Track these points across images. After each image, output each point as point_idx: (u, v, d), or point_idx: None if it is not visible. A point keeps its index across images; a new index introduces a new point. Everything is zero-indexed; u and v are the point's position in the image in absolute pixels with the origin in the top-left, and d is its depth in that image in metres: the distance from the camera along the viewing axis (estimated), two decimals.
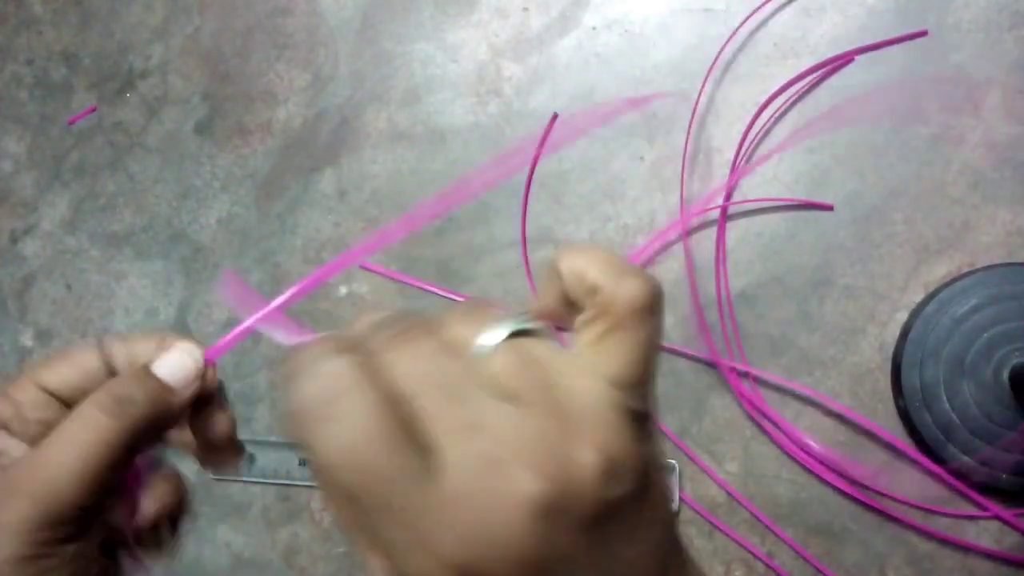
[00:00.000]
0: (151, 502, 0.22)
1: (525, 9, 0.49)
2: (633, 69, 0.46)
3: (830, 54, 0.43)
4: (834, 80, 0.43)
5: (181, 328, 0.54)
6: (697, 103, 0.45)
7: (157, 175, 0.57)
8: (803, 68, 0.43)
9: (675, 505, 0.42)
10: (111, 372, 0.22)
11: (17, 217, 0.60)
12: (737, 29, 0.44)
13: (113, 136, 0.58)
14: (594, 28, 0.47)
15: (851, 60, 0.42)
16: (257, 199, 0.54)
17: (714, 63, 0.44)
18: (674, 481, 0.42)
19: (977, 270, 0.39)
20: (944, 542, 0.39)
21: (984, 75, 0.41)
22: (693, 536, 0.42)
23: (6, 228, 0.61)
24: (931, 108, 0.41)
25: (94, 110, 0.59)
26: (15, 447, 0.20)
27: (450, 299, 0.48)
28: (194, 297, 0.55)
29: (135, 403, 0.20)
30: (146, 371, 0.21)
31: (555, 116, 0.44)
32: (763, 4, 0.44)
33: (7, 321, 0.59)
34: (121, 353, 0.22)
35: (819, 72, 0.43)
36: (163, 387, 0.21)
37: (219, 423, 0.23)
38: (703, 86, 0.45)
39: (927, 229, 0.41)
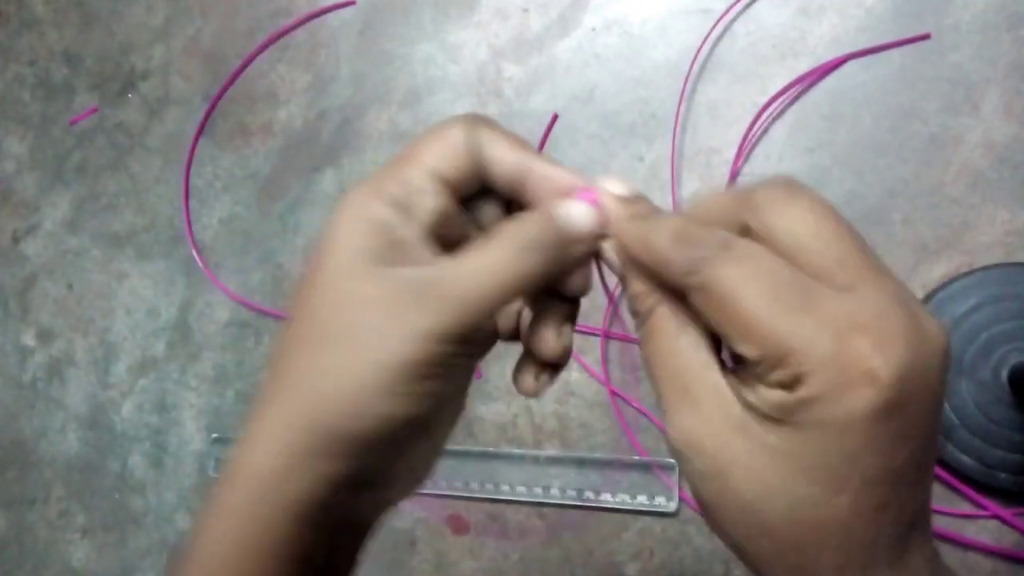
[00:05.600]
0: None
1: (525, 10, 0.49)
2: (632, 70, 0.47)
3: (829, 55, 0.43)
4: (833, 80, 0.43)
5: (182, 329, 0.55)
6: (680, 103, 0.45)
7: (158, 175, 0.57)
8: (802, 69, 0.43)
9: (675, 504, 0.42)
10: (475, 159, 0.21)
11: (19, 217, 0.61)
12: (723, 24, 0.45)
13: (114, 136, 0.59)
14: (594, 29, 0.48)
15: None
16: (259, 199, 0.54)
17: (693, 61, 0.45)
18: (674, 480, 0.42)
19: (976, 270, 0.40)
20: (943, 541, 0.39)
21: (982, 75, 0.41)
22: (693, 535, 0.42)
23: (8, 228, 0.61)
24: (930, 108, 0.42)
25: (95, 111, 0.59)
26: (412, 234, 0.20)
27: None
28: (196, 297, 0.55)
29: (542, 249, 0.20)
30: (554, 219, 0.20)
31: (555, 116, 0.45)
32: (754, 0, 0.44)
33: (9, 320, 0.59)
34: (491, 150, 0.21)
35: (817, 74, 0.43)
36: (568, 238, 0.20)
37: (576, 283, 0.21)
38: (684, 85, 0.45)
39: (926, 229, 0.41)
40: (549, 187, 0.21)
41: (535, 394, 0.23)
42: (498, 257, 0.19)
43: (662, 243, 0.19)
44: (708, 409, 0.18)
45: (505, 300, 0.20)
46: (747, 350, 0.17)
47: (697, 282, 0.18)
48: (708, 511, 0.19)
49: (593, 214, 0.21)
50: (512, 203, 0.22)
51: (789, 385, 0.16)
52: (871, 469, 0.16)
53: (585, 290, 0.22)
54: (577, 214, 0.20)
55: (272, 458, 0.19)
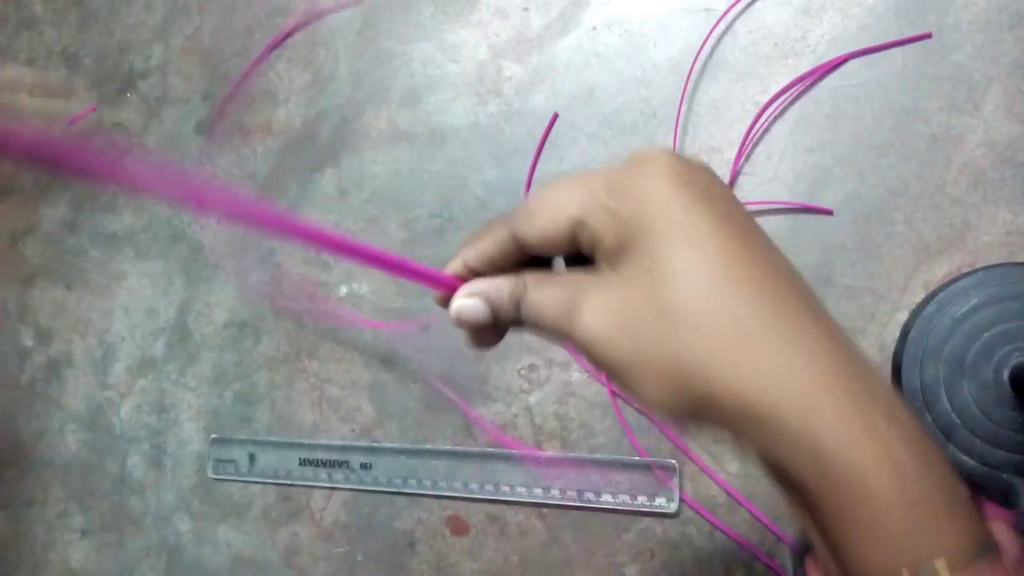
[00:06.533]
0: None
1: (525, 9, 0.49)
2: (633, 69, 0.46)
3: (830, 54, 0.43)
4: (834, 80, 0.43)
5: (181, 329, 0.54)
6: (682, 103, 0.45)
7: None
8: (803, 68, 0.43)
9: (675, 506, 0.42)
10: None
11: (17, 217, 0.60)
12: (724, 23, 0.44)
13: (113, 136, 0.58)
14: (594, 28, 0.47)
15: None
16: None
17: (695, 60, 0.44)
18: (674, 481, 0.42)
19: (977, 270, 0.39)
20: None
21: (984, 75, 0.41)
22: (694, 536, 0.42)
23: (7, 228, 0.61)
24: (931, 108, 0.41)
25: (94, 110, 0.59)
26: None
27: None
28: (194, 297, 0.55)
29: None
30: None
31: (555, 115, 0.44)
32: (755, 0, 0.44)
33: (7, 321, 0.59)
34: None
35: (819, 72, 0.43)
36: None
37: None
38: (686, 84, 0.45)
39: (927, 229, 0.41)
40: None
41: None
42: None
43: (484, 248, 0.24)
44: (608, 288, 0.21)
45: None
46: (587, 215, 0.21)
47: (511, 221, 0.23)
48: (645, 366, 0.20)
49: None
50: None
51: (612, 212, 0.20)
52: (718, 214, 0.20)
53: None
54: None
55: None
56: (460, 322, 0.24)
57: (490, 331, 0.24)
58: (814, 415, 0.17)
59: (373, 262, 0.23)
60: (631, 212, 0.20)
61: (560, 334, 0.21)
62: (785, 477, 0.19)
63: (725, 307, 0.18)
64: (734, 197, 0.21)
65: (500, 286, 0.23)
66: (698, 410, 0.19)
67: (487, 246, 0.23)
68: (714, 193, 0.20)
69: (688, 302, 0.19)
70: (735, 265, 0.19)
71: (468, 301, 0.23)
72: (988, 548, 0.17)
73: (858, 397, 0.18)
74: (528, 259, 0.23)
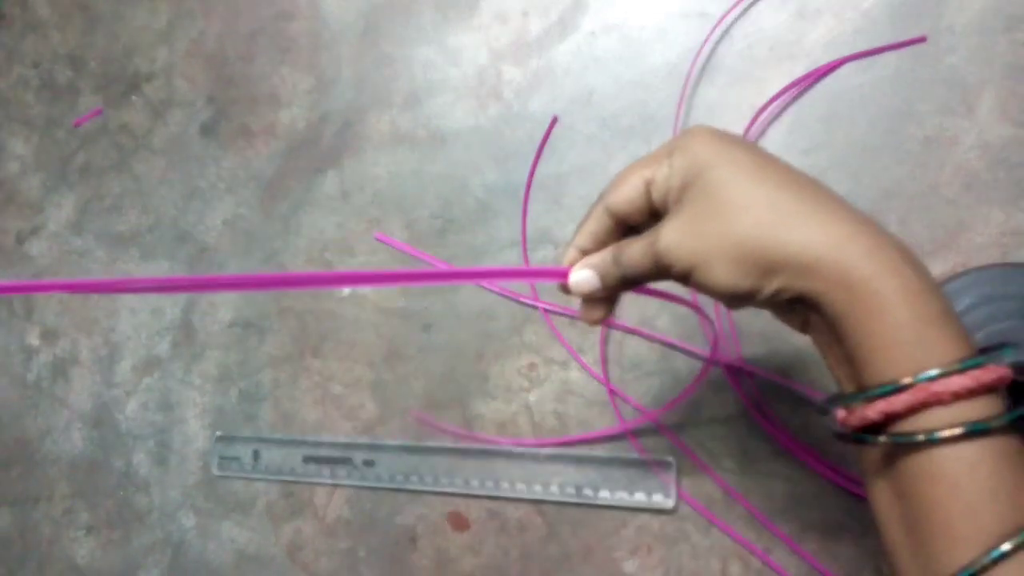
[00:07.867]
0: None
1: (525, 14, 0.50)
2: (631, 73, 0.47)
3: (825, 57, 0.43)
4: (829, 83, 0.43)
5: (186, 328, 0.55)
6: (680, 105, 0.45)
7: (162, 177, 0.57)
8: (798, 71, 0.44)
9: (672, 502, 0.42)
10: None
11: (24, 218, 0.61)
12: (721, 28, 0.45)
13: (119, 138, 0.59)
14: (593, 33, 0.48)
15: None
16: (261, 200, 0.54)
17: (693, 64, 0.45)
18: (671, 478, 0.43)
19: (971, 270, 0.40)
20: None
21: (978, 78, 0.41)
22: (690, 532, 0.43)
23: (13, 229, 0.61)
24: (925, 110, 0.42)
25: (100, 112, 0.60)
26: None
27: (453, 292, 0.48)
28: (199, 297, 0.55)
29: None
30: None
31: (555, 119, 0.45)
32: (752, 3, 0.45)
33: (14, 320, 0.60)
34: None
35: (814, 76, 0.43)
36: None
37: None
38: (684, 88, 0.45)
39: (921, 230, 0.41)
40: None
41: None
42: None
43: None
44: (678, 214, 0.27)
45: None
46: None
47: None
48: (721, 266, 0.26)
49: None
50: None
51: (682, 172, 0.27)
52: (745, 158, 0.26)
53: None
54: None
55: None
56: (577, 292, 0.30)
57: (601, 300, 0.31)
58: (843, 255, 0.23)
59: (499, 277, 0.27)
60: (685, 161, 0.26)
61: (650, 264, 0.27)
62: (820, 309, 0.24)
63: (765, 194, 0.25)
64: (760, 146, 0.28)
65: (602, 254, 0.29)
66: (758, 280, 0.25)
67: (589, 225, 0.30)
68: (742, 140, 0.27)
69: (738, 196, 0.25)
70: (767, 170, 0.26)
71: (580, 273, 0.30)
72: (977, 362, 0.22)
73: (874, 239, 0.24)
74: (623, 233, 0.30)
